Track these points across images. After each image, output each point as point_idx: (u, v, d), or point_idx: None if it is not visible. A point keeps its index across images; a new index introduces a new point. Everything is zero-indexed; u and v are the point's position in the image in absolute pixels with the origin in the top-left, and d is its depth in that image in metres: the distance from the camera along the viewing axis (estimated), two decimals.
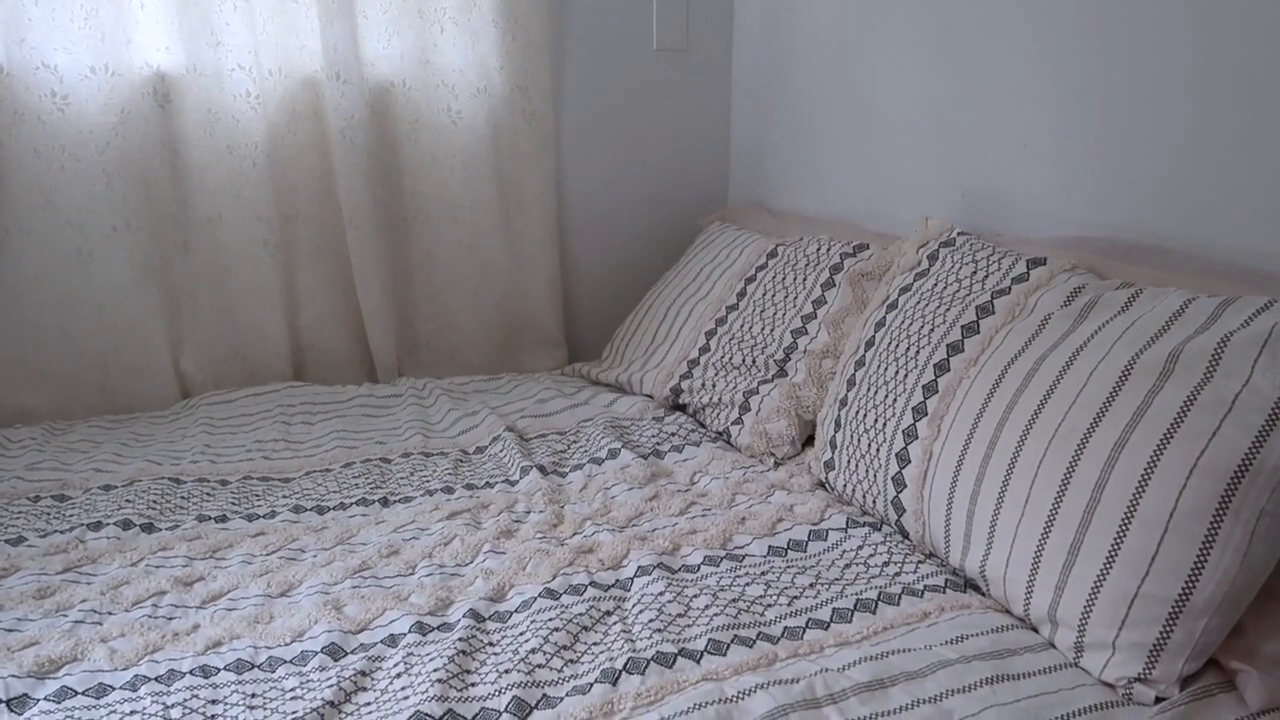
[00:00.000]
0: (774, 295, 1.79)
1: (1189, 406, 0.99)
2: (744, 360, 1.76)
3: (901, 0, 1.81)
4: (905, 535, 1.32)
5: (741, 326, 1.80)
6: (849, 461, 1.43)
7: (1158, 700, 0.95)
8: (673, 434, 1.73)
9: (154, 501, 1.41)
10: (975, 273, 1.41)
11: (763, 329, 1.77)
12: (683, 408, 1.86)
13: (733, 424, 1.70)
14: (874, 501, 1.37)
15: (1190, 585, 0.94)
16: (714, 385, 1.78)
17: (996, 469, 1.15)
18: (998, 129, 1.63)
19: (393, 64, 2.01)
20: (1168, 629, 0.95)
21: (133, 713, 0.94)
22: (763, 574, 1.23)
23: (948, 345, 1.33)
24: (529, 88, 2.11)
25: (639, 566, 1.23)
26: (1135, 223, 1.41)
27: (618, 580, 1.21)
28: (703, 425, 1.79)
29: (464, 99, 2.05)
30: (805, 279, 1.76)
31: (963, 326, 1.33)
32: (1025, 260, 1.36)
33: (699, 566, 1.24)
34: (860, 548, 1.29)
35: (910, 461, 1.30)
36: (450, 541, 1.32)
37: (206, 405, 1.87)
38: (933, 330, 1.37)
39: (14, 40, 1.68)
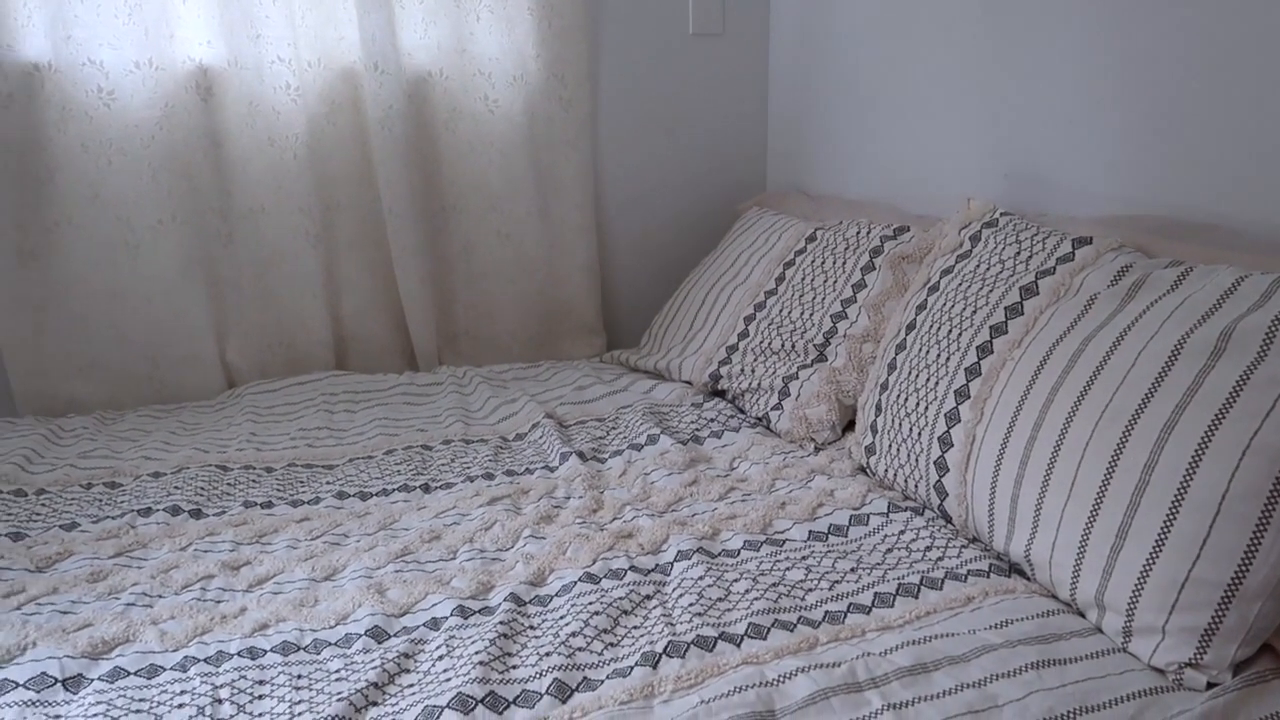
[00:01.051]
0: (813, 280, 1.78)
1: (1242, 386, 0.96)
2: (783, 345, 1.75)
3: None
4: (948, 520, 1.31)
5: (780, 311, 1.79)
6: (890, 446, 1.41)
7: (1209, 686, 0.93)
8: (712, 420, 1.73)
9: (202, 488, 1.44)
10: (1019, 253, 1.39)
11: (802, 314, 1.75)
12: (722, 393, 1.85)
13: (772, 409, 1.69)
14: (916, 486, 1.36)
15: (1243, 569, 0.92)
16: (753, 371, 1.77)
17: (1042, 451, 1.13)
18: (1041, 107, 1.60)
19: (430, 53, 2.01)
20: (1220, 614, 0.93)
21: (183, 693, 0.96)
22: (803, 559, 1.22)
23: (991, 327, 1.31)
24: (565, 75, 2.11)
25: (679, 551, 1.23)
26: (1184, 200, 1.37)
27: (657, 565, 1.21)
28: (742, 411, 1.78)
29: (501, 87, 2.05)
30: (845, 263, 1.74)
31: (1006, 308, 1.31)
32: (1070, 239, 1.33)
33: (739, 551, 1.24)
34: (902, 532, 1.27)
35: (953, 445, 1.28)
36: (491, 527, 1.32)
37: (252, 394, 1.90)
38: (975, 312, 1.35)
39: (61, 37, 1.72)
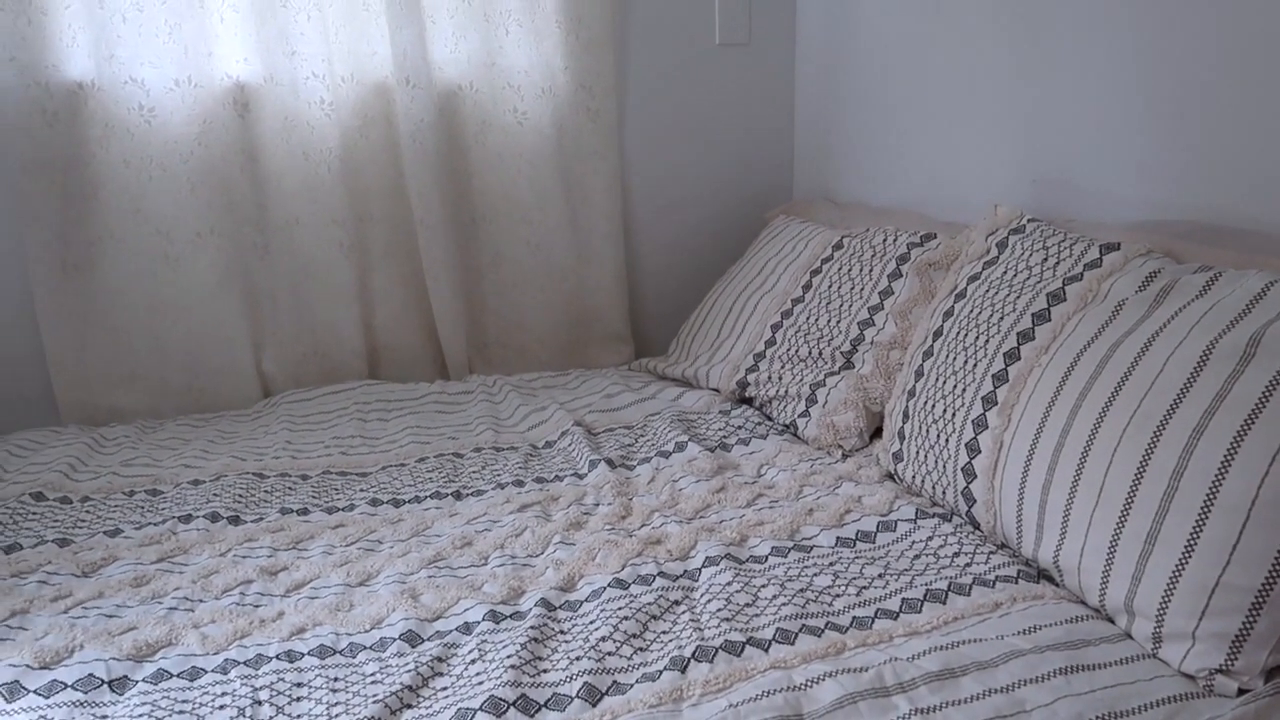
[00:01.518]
0: (840, 287, 1.78)
1: (1272, 391, 0.96)
2: (810, 353, 1.76)
3: None
4: (976, 526, 1.31)
5: (807, 319, 1.80)
6: (918, 452, 1.42)
7: (1241, 692, 0.93)
8: (739, 427, 1.74)
9: (239, 495, 1.47)
10: (1046, 259, 1.39)
11: (829, 321, 1.76)
12: (749, 401, 1.86)
13: (799, 416, 1.69)
14: (943, 492, 1.36)
15: (1274, 574, 0.92)
16: (780, 378, 1.78)
17: (1070, 457, 1.13)
18: (1069, 112, 1.59)
19: (460, 67, 2.05)
20: (1251, 619, 0.93)
21: (224, 694, 0.98)
22: (830, 565, 1.23)
23: (1018, 333, 1.31)
24: (593, 86, 2.14)
25: (707, 557, 1.24)
26: (1215, 205, 1.37)
27: (685, 570, 1.22)
28: (770, 418, 1.79)
29: (529, 99, 2.08)
30: (871, 270, 1.75)
31: (1033, 314, 1.31)
32: (1098, 245, 1.33)
33: (766, 557, 1.25)
34: (930, 539, 1.28)
35: (980, 451, 1.28)
36: (521, 533, 1.34)
37: (287, 404, 1.94)
38: (1002, 319, 1.35)
39: (104, 56, 1.77)
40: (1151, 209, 1.46)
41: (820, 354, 1.74)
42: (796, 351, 1.78)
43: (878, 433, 1.64)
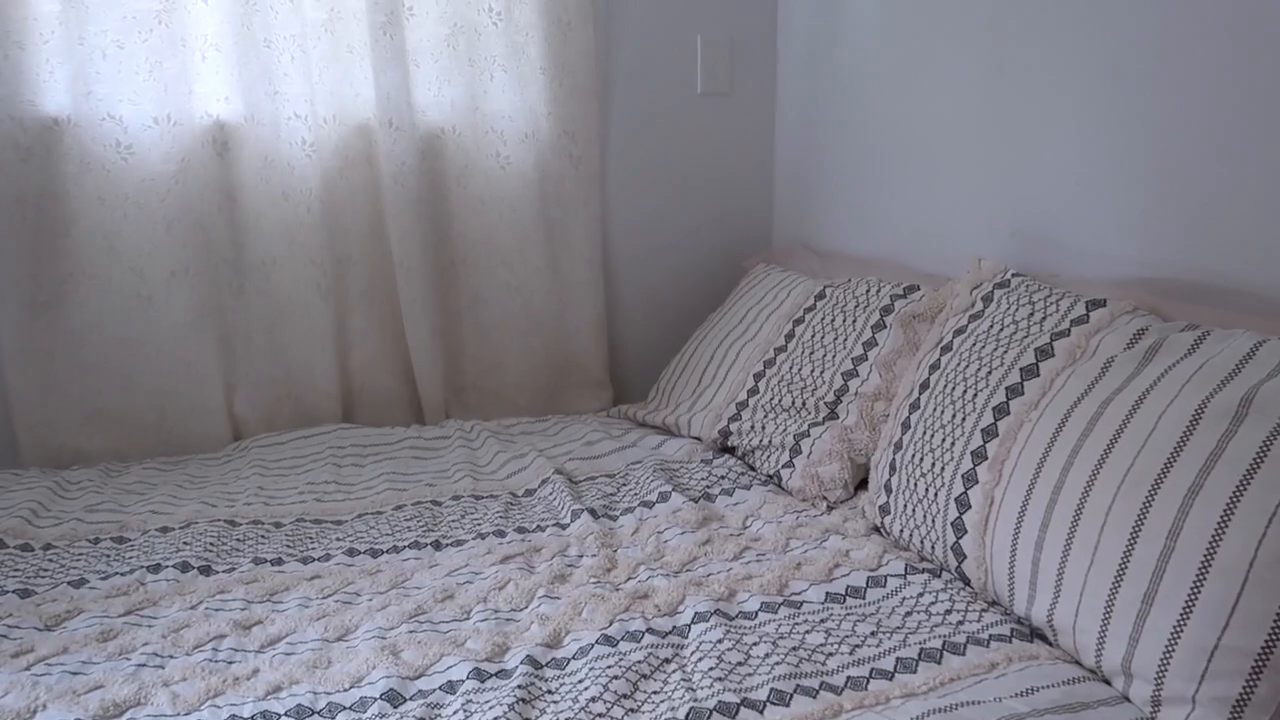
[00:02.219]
0: (823, 337, 1.78)
1: (1266, 451, 0.96)
2: (793, 402, 1.75)
3: (948, 38, 1.82)
4: (966, 582, 1.30)
5: (790, 368, 1.79)
6: (905, 506, 1.41)
7: None
8: (722, 477, 1.72)
9: (210, 544, 1.43)
10: (1032, 314, 1.40)
11: (812, 371, 1.76)
12: (732, 450, 1.85)
13: (783, 467, 1.68)
14: (932, 547, 1.35)
15: (1274, 637, 0.91)
16: (763, 428, 1.77)
17: (1063, 515, 1.13)
18: (1049, 167, 1.62)
19: (443, 111, 2.04)
20: (1251, 683, 0.92)
21: None
22: (822, 621, 1.21)
23: (1006, 388, 1.31)
24: (575, 132, 2.14)
25: (696, 613, 1.21)
26: (1198, 263, 1.39)
27: (674, 627, 1.20)
28: (752, 468, 1.77)
29: (512, 144, 2.08)
30: (855, 320, 1.75)
31: (1021, 369, 1.31)
32: (1084, 302, 1.34)
33: (756, 613, 1.23)
34: (921, 595, 1.26)
35: (970, 507, 1.28)
36: (504, 586, 1.31)
37: (259, 447, 1.89)
38: (990, 373, 1.36)
39: (82, 92, 1.74)
40: (1132, 265, 1.48)
41: (804, 404, 1.74)
42: (780, 401, 1.77)
43: (862, 484, 1.64)
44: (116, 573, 1.33)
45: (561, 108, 2.11)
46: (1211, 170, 1.35)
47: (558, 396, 2.27)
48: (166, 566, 1.34)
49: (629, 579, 1.34)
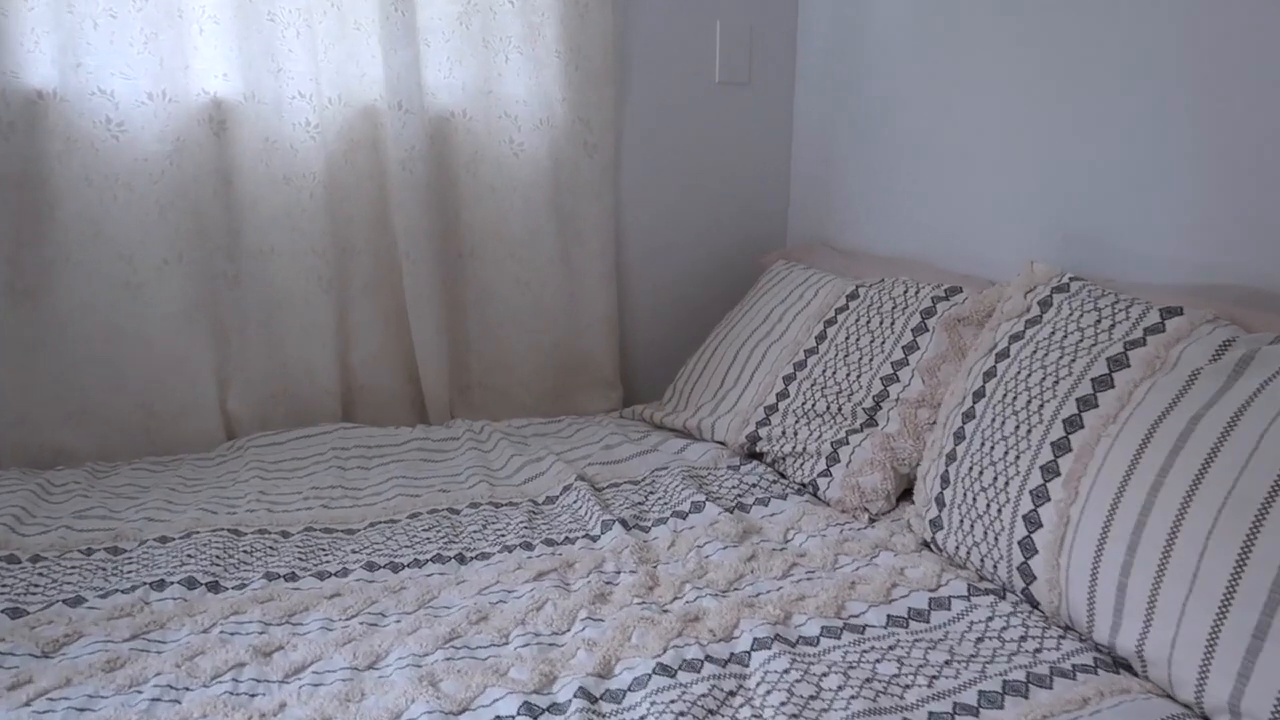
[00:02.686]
0: (858, 339, 1.70)
1: None
2: (828, 408, 1.67)
3: (991, 33, 1.74)
4: (1034, 605, 1.22)
5: (824, 372, 1.71)
6: (962, 521, 1.33)
7: None
8: (754, 485, 1.64)
9: (217, 557, 1.31)
10: (1099, 321, 1.32)
11: (848, 375, 1.67)
12: (759, 456, 1.77)
13: (820, 476, 1.60)
14: (994, 566, 1.28)
15: None
16: (795, 434, 1.69)
17: (1153, 538, 1.05)
18: (1106, 164, 1.55)
19: (454, 94, 1.93)
20: None
21: None
22: (890, 649, 1.12)
23: (1078, 400, 1.24)
24: (590, 119, 2.04)
25: (755, 639, 1.13)
26: (1270, 270, 1.32)
27: (733, 654, 1.11)
28: (783, 475, 1.69)
29: (527, 130, 1.97)
30: (893, 323, 1.67)
31: (1093, 380, 1.24)
32: (1158, 309, 1.27)
33: (818, 639, 1.14)
34: (990, 619, 1.19)
35: (1042, 525, 1.20)
36: (542, 606, 1.21)
37: (255, 448, 1.77)
38: (1057, 383, 1.28)
39: (70, 65, 1.61)
40: (1200, 271, 1.41)
41: (839, 409, 1.66)
42: (813, 406, 1.69)
43: (904, 495, 1.56)
44: (116, 589, 1.21)
45: (577, 93, 2.01)
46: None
47: (566, 396, 2.17)
48: (171, 582, 1.22)
49: (675, 599, 1.25)
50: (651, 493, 1.61)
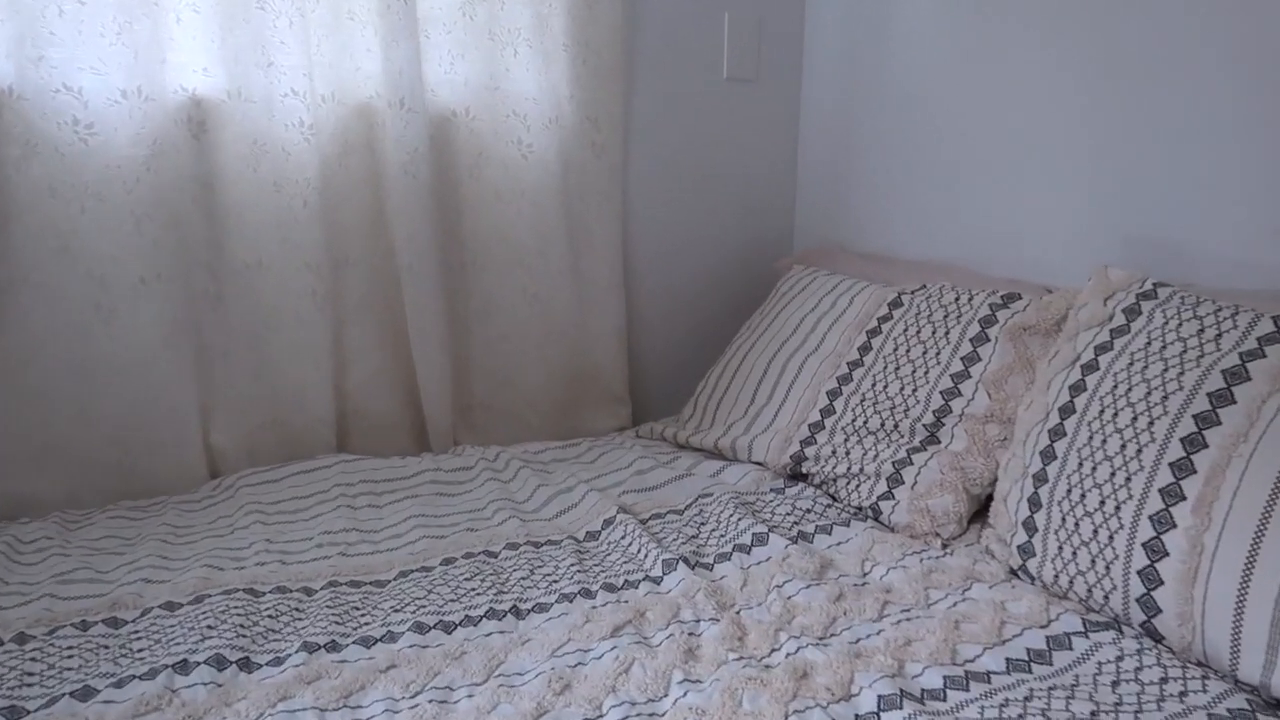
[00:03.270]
0: (909, 350, 1.60)
1: None
2: (882, 424, 1.56)
3: (1039, 16, 1.65)
4: (1157, 639, 1.13)
5: (873, 386, 1.61)
6: (1061, 549, 1.23)
7: None
8: (808, 510, 1.52)
9: (240, 625, 1.14)
10: (1202, 331, 1.24)
11: (901, 389, 1.57)
12: (804, 477, 1.65)
13: (881, 499, 1.49)
14: (1105, 597, 1.18)
15: None
16: (848, 453, 1.57)
17: None
18: (1174, 163, 1.47)
19: (455, 90, 1.77)
20: None
21: None
22: (1026, 700, 1.02)
23: (1195, 417, 1.15)
24: (599, 118, 1.90)
25: (880, 697, 1.01)
26: None
27: (858, 715, 0.99)
28: (834, 498, 1.58)
29: (536, 130, 1.82)
30: (948, 332, 1.57)
31: (1209, 395, 1.15)
32: (1270, 318, 1.19)
33: (943, 691, 1.03)
34: (1119, 659, 1.09)
35: (1168, 554, 1.11)
36: (628, 667, 1.07)
37: (248, 487, 1.59)
38: (1166, 398, 1.19)
39: (29, 58, 1.40)
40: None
41: (895, 426, 1.55)
42: (866, 423, 1.58)
43: (974, 517, 1.47)
44: (132, 675, 1.03)
45: (585, 90, 1.87)
46: None
47: (574, 413, 2.03)
48: (197, 663, 1.04)
49: (773, 650, 1.12)
50: (703, 523, 1.48)
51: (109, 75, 1.45)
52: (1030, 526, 1.29)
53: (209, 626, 1.13)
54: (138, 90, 1.48)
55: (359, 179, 1.71)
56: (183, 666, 1.04)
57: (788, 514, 1.51)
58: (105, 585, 1.25)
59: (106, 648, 1.09)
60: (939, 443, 1.51)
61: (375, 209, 1.74)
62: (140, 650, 1.08)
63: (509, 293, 1.88)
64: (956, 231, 1.87)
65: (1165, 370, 1.22)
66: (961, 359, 1.54)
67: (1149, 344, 1.27)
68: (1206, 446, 1.12)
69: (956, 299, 1.61)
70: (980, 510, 1.48)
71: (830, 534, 1.45)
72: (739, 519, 1.46)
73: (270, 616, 1.18)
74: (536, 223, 1.85)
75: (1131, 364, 1.26)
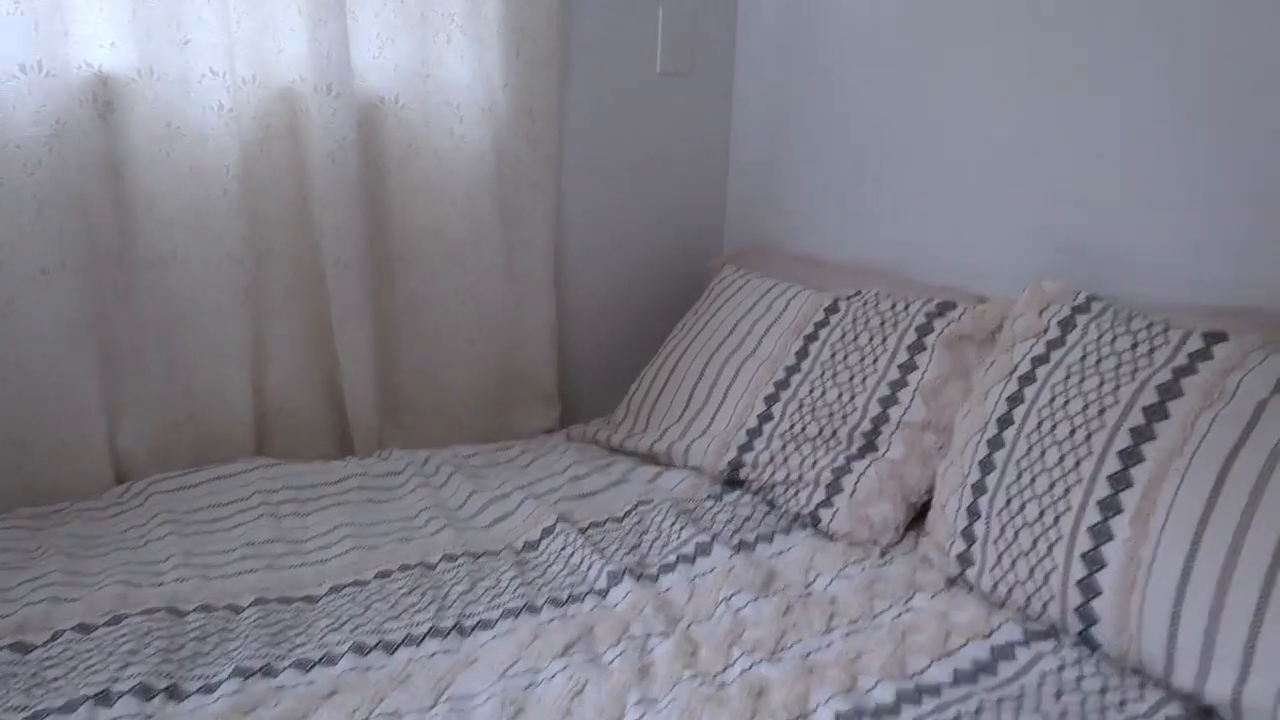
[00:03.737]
0: (846, 357, 1.61)
1: None
2: (820, 431, 1.57)
3: (970, 28, 1.68)
4: (1093, 647, 1.16)
5: (811, 393, 1.61)
6: (1000, 558, 1.26)
7: None
8: (747, 518, 1.52)
9: (165, 650, 1.06)
10: (1135, 346, 1.28)
11: (839, 396, 1.58)
12: (740, 483, 1.64)
13: (821, 506, 1.50)
14: (1045, 606, 1.21)
15: None
16: (786, 460, 1.57)
17: (1248, 581, 1.01)
18: (1108, 173, 1.50)
19: (384, 76, 1.69)
20: None
21: None
22: (975, 712, 1.03)
23: (1131, 430, 1.18)
24: (534, 109, 1.85)
25: (836, 713, 1.01)
26: None
27: None
28: (772, 505, 1.58)
29: (470, 120, 1.76)
30: (885, 340, 1.59)
31: (1144, 409, 1.19)
32: (1200, 334, 1.24)
33: (897, 706, 1.04)
34: (1061, 669, 1.11)
35: (1106, 565, 1.14)
36: (581, 689, 1.05)
37: (161, 494, 1.49)
38: (1102, 411, 1.22)
39: None
40: (1214, 291, 1.39)
41: (834, 434, 1.56)
42: (804, 430, 1.58)
43: (911, 525, 1.49)
44: (48, 709, 0.94)
45: (520, 80, 1.81)
46: None
47: (503, 413, 1.98)
48: (120, 692, 0.97)
49: (726, 667, 1.11)
50: (644, 532, 1.46)
51: (5, 48, 1.33)
52: (969, 536, 1.31)
53: (130, 651, 1.05)
54: (38, 65, 1.36)
55: (282, 167, 1.63)
56: (105, 697, 0.96)
57: (728, 521, 1.51)
58: (8, 605, 1.15)
59: (15, 676, 1.01)
60: (877, 450, 1.52)
61: (299, 199, 1.65)
62: (55, 679, 1.00)
63: (440, 288, 1.82)
64: (889, 235, 1.89)
65: (1101, 384, 1.25)
66: (899, 367, 1.55)
67: (1084, 357, 1.30)
68: (1143, 460, 1.16)
69: (893, 306, 1.63)
70: (917, 517, 1.50)
71: (771, 542, 1.45)
72: (680, 527, 1.45)
73: (197, 638, 1.11)
74: (470, 216, 1.79)
75: (1068, 377, 1.30)
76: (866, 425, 1.54)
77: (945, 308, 1.58)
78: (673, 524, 1.46)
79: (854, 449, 1.54)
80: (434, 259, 1.79)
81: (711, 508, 1.55)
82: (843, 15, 1.92)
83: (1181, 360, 1.22)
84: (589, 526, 1.48)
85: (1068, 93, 1.55)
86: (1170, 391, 1.19)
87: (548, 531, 1.44)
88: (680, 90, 2.12)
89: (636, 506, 1.54)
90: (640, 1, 2.01)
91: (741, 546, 1.42)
